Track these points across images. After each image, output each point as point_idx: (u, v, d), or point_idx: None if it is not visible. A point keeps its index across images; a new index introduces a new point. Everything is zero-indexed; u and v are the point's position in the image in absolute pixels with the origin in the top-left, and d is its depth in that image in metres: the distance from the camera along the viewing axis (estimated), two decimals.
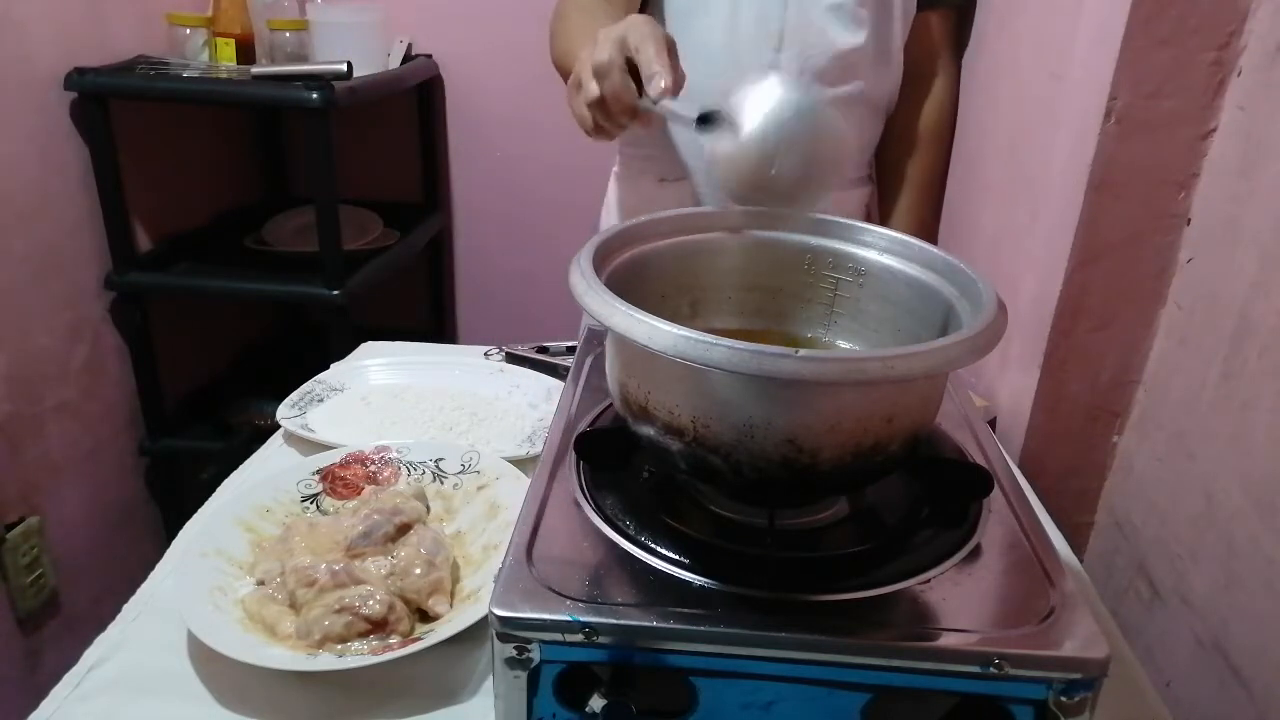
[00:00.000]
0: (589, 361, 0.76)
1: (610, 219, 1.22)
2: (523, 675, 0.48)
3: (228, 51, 1.52)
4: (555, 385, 0.94)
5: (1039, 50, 0.94)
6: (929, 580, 0.52)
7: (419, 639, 0.59)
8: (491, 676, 0.51)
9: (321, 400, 0.92)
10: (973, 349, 0.49)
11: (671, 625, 0.47)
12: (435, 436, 0.86)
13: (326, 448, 0.80)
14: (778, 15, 1.00)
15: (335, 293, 1.44)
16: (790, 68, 1.01)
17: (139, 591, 0.67)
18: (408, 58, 1.74)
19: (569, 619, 0.47)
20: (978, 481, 0.58)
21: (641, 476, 0.60)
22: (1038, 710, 0.47)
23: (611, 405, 0.62)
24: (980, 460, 0.64)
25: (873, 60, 1.04)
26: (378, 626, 0.60)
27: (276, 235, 1.67)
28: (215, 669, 0.58)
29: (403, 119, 1.83)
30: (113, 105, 1.38)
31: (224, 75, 1.46)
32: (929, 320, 0.61)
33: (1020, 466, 0.88)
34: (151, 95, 1.41)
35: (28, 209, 1.30)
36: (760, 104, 0.62)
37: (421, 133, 1.85)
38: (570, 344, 1.02)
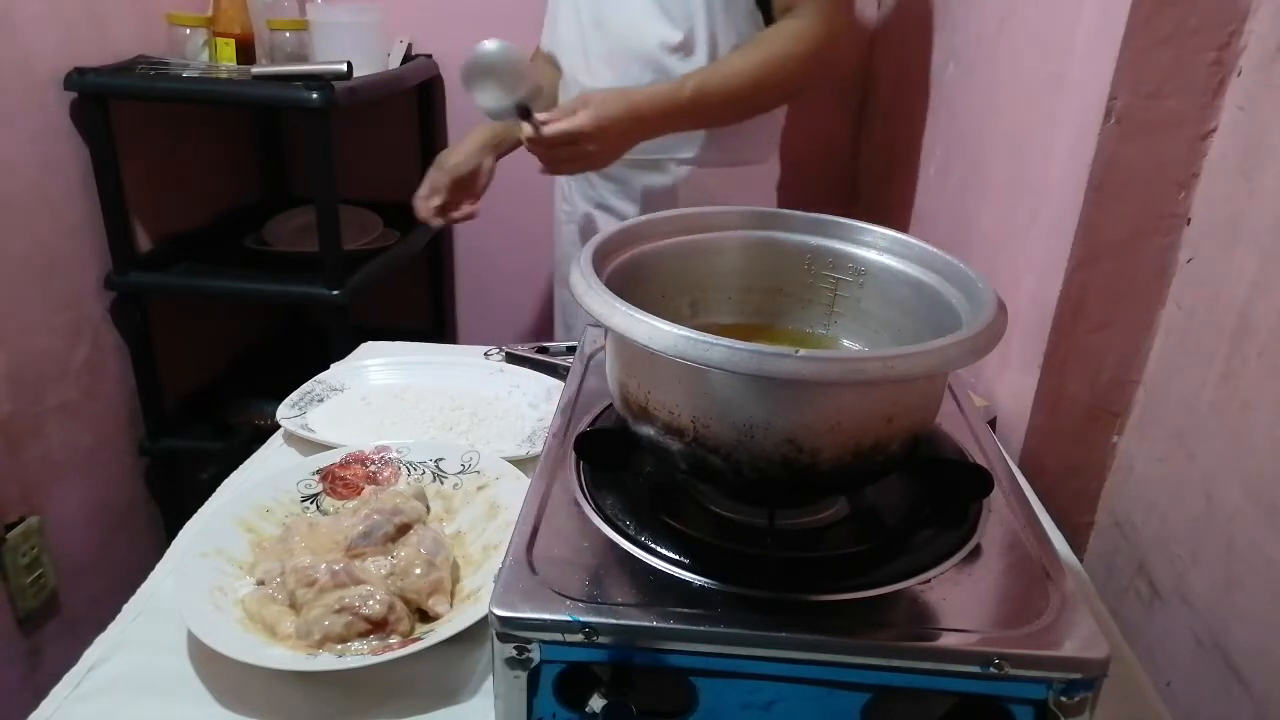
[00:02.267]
0: (589, 361, 0.76)
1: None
2: (523, 675, 0.48)
3: (228, 51, 1.51)
4: (555, 385, 0.94)
5: (1039, 50, 0.94)
6: (929, 580, 0.52)
7: (419, 639, 0.59)
8: (491, 676, 0.51)
9: (321, 400, 0.92)
10: (973, 349, 0.49)
11: (671, 625, 0.47)
12: (435, 436, 0.86)
13: (326, 448, 0.80)
14: (593, 6, 1.15)
15: (335, 293, 1.44)
16: (611, 57, 1.15)
17: (139, 591, 0.67)
18: (408, 58, 1.74)
19: (569, 619, 0.47)
20: (978, 481, 0.58)
21: (641, 476, 0.60)
22: (1038, 710, 0.47)
23: (611, 405, 0.62)
24: (980, 460, 0.64)
25: (684, 55, 1.11)
26: (378, 626, 0.60)
27: (276, 235, 1.67)
28: (215, 669, 0.58)
29: (403, 119, 1.83)
30: (113, 105, 1.38)
31: (224, 75, 1.46)
32: (929, 320, 0.61)
33: (1020, 466, 0.88)
34: (151, 95, 1.40)
35: (28, 209, 1.30)
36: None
37: (421, 133, 1.85)
38: (570, 344, 1.02)
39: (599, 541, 0.54)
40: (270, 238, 1.66)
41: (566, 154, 1.01)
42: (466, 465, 0.77)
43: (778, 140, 1.28)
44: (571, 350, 1.00)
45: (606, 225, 1.30)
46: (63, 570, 1.41)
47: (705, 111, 1.08)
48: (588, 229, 1.33)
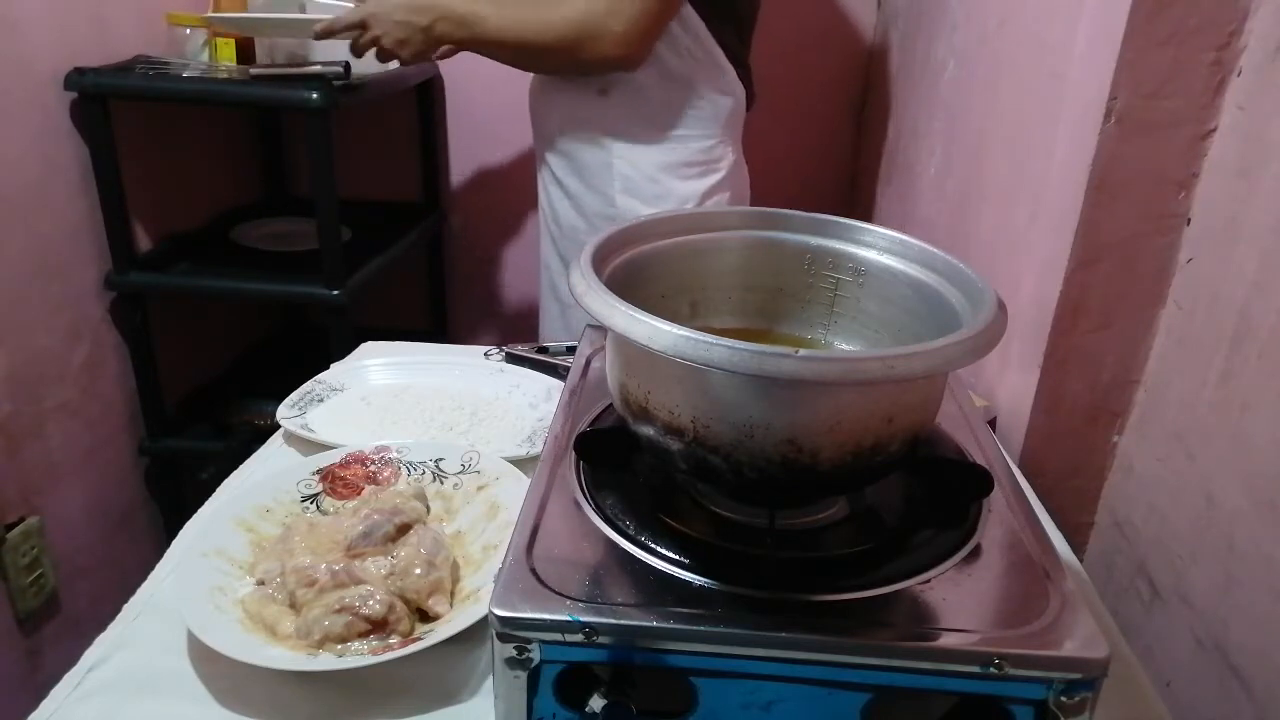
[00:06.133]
0: (589, 361, 0.76)
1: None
2: (523, 675, 0.48)
3: (228, 51, 1.51)
4: (555, 385, 0.94)
5: (1039, 50, 0.94)
6: (929, 580, 0.52)
7: (419, 639, 0.59)
8: (491, 676, 0.51)
9: (321, 400, 0.92)
10: (973, 349, 0.49)
11: (671, 625, 0.47)
12: (435, 436, 0.86)
13: (326, 448, 0.80)
14: None
15: (335, 293, 1.44)
16: None
17: (139, 591, 0.67)
18: None
19: (569, 619, 0.47)
20: (978, 481, 0.58)
21: (641, 476, 0.60)
22: (1038, 710, 0.47)
23: (611, 405, 0.62)
24: (980, 460, 0.64)
25: None
26: (378, 626, 0.60)
27: (249, 237, 1.66)
28: (215, 669, 0.58)
29: (403, 119, 1.83)
30: (113, 105, 1.38)
31: (224, 75, 1.46)
32: (929, 320, 0.61)
33: (1020, 466, 0.88)
34: (151, 95, 1.40)
35: (28, 209, 1.30)
36: None
37: (421, 133, 1.85)
38: (570, 344, 1.02)
39: (599, 541, 0.54)
40: (243, 239, 1.65)
41: (366, 40, 1.17)
42: (466, 465, 0.77)
43: (725, 129, 1.23)
44: (571, 350, 1.00)
45: (560, 205, 1.28)
46: (63, 570, 1.41)
47: (475, 25, 1.14)
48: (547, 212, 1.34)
